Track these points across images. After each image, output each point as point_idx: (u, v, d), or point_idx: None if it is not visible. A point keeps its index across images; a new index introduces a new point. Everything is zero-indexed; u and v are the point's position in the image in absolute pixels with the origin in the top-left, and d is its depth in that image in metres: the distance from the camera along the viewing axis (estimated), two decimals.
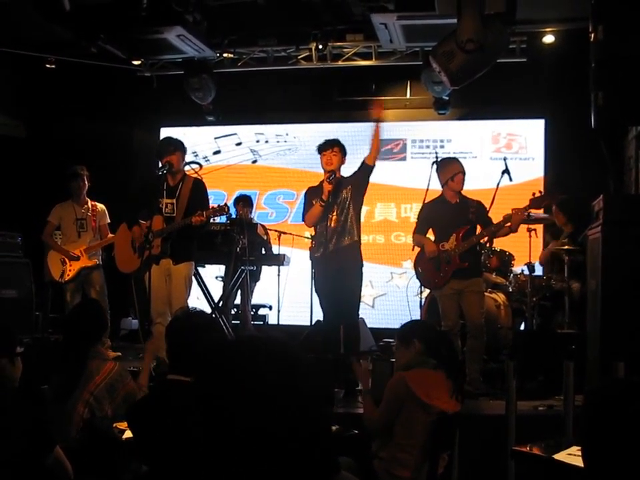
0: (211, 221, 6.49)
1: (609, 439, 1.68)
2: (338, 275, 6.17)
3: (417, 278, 6.58)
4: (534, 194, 6.30)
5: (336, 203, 6.25)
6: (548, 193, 6.31)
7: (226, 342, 1.50)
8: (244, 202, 8.55)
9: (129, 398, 3.98)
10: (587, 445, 1.74)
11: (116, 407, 3.96)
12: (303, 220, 6.47)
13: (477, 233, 6.31)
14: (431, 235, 6.50)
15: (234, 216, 8.13)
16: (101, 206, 7.84)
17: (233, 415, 1.32)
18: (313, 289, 6.71)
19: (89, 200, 7.78)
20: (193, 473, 2.75)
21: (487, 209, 6.37)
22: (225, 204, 6.41)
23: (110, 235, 7.64)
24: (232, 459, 1.33)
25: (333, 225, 6.24)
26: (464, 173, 6.36)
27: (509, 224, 6.21)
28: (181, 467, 2.81)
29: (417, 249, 6.55)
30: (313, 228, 6.45)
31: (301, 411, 1.36)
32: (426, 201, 6.56)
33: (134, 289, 6.74)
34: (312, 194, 6.38)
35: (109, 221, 7.82)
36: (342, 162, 6.31)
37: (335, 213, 6.25)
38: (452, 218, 6.33)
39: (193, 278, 6.81)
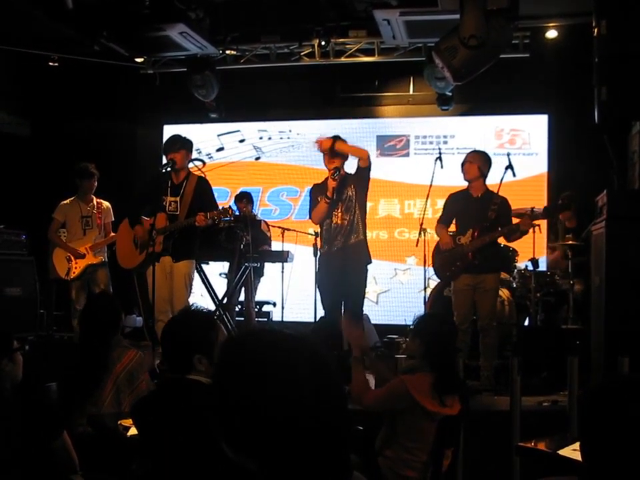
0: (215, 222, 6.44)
1: (606, 436, 1.68)
2: (343, 272, 6.17)
3: (433, 267, 6.61)
4: (556, 202, 6.30)
5: (341, 199, 6.24)
6: (564, 202, 6.32)
7: (252, 339, 1.47)
8: (247, 199, 8.57)
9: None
10: (585, 441, 1.74)
11: (135, 400, 3.95)
12: (310, 217, 6.46)
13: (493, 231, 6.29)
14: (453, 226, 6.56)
15: (237, 213, 8.14)
16: (106, 204, 7.83)
17: (265, 410, 1.32)
18: (316, 284, 6.70)
19: (94, 197, 7.77)
20: (198, 471, 2.76)
21: (510, 208, 6.36)
22: (229, 207, 6.38)
23: (112, 234, 7.62)
24: (261, 456, 1.34)
25: (338, 222, 6.23)
26: (479, 166, 6.35)
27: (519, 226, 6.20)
28: (185, 464, 2.81)
29: (421, 245, 6.59)
30: (318, 225, 6.45)
31: (332, 408, 1.37)
32: (452, 192, 6.61)
33: (137, 287, 6.73)
34: (317, 191, 6.37)
35: (113, 219, 7.80)
36: (345, 158, 6.29)
37: (339, 210, 6.24)
38: (472, 213, 6.33)
39: (197, 275, 6.80)
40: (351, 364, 4.07)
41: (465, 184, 6.46)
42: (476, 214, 6.30)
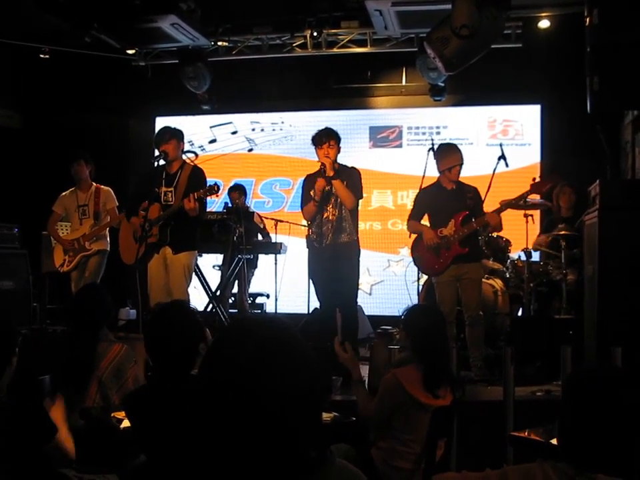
0: (205, 199, 6.32)
1: (592, 418, 1.77)
2: (335, 264, 6.15)
3: (415, 264, 6.55)
4: (534, 179, 6.28)
5: (331, 194, 6.22)
6: (549, 177, 6.28)
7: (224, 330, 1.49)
8: (240, 191, 8.57)
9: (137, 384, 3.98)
10: (568, 420, 1.79)
11: (123, 394, 3.93)
12: (302, 210, 6.43)
13: (473, 220, 6.25)
14: (425, 221, 6.47)
15: (230, 205, 8.13)
16: (105, 188, 7.57)
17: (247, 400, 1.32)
18: (309, 276, 6.67)
19: (93, 184, 7.55)
20: (191, 463, 2.76)
21: (482, 198, 6.34)
22: (215, 184, 6.29)
23: (108, 220, 7.52)
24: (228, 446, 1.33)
25: (329, 216, 6.21)
26: (462, 165, 6.31)
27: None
28: (179, 455, 2.81)
29: (414, 236, 6.51)
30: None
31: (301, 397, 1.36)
32: (422, 187, 6.53)
33: (137, 280, 6.65)
34: (309, 183, 6.33)
35: (117, 204, 7.52)
36: (338, 151, 6.26)
37: (331, 206, 6.22)
38: (449, 203, 6.26)
39: None
40: (353, 387, 4.08)
41: (434, 175, 6.45)
42: (453, 204, 6.25)
